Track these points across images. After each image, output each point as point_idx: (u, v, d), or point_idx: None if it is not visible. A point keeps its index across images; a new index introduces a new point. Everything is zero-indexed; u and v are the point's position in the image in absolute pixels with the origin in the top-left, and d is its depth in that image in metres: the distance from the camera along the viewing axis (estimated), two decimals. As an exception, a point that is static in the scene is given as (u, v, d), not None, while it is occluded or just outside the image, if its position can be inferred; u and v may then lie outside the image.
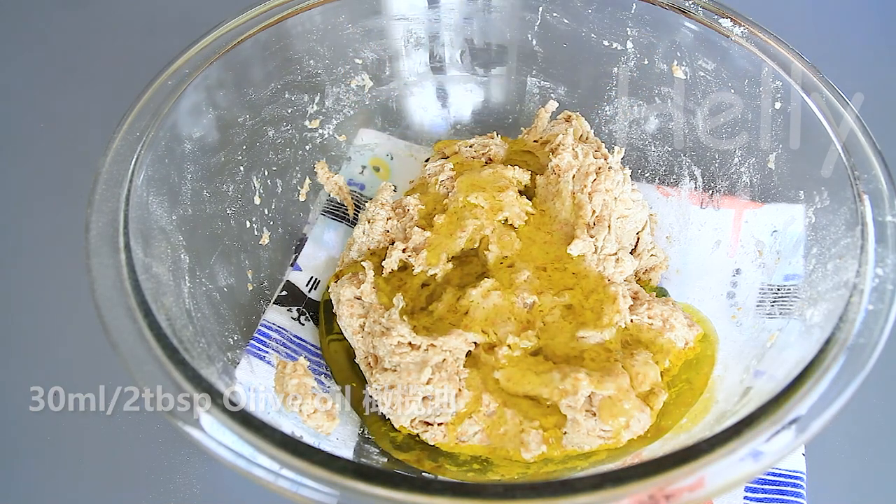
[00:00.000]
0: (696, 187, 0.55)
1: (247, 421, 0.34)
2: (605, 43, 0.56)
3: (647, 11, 0.54)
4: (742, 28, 0.50)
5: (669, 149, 0.56)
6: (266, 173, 0.55)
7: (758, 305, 0.48)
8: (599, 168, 0.53)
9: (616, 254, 0.52)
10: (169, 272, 0.43)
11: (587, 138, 0.56)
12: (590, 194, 0.52)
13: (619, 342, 0.48)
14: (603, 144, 0.55)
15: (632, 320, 0.49)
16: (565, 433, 0.45)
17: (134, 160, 0.43)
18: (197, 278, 0.46)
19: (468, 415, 0.46)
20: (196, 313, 0.44)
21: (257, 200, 0.54)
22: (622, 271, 0.51)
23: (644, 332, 0.49)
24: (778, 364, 0.40)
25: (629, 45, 0.55)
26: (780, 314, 0.45)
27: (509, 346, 0.47)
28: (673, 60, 0.54)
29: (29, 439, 0.50)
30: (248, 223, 0.53)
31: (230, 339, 0.47)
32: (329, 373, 0.50)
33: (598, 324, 0.47)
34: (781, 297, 0.46)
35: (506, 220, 0.53)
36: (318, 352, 0.51)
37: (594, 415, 0.44)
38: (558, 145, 0.55)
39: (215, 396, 0.35)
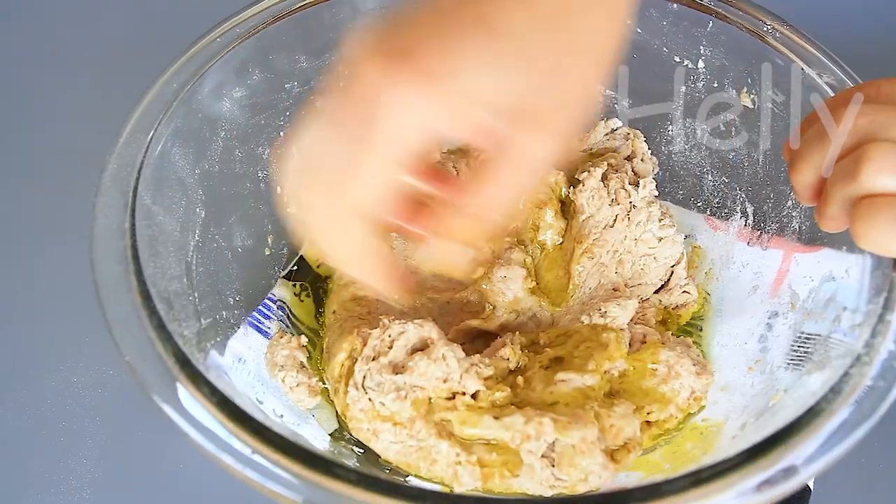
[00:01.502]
0: (745, 224, 0.53)
1: (199, 381, 0.36)
2: (677, 59, 0.54)
3: (722, 31, 0.52)
4: (825, 76, 0.48)
5: (726, 180, 0.55)
6: (307, 142, 0.56)
7: (783, 359, 0.46)
8: (616, 216, 0.52)
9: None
10: (177, 223, 0.46)
11: (643, 158, 0.55)
12: (594, 241, 0.52)
13: (602, 389, 0.46)
14: (650, 170, 0.54)
15: (633, 367, 0.47)
16: (517, 476, 0.43)
17: (165, 110, 0.46)
18: (210, 234, 0.49)
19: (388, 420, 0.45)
20: (198, 267, 0.46)
21: (293, 168, 0.56)
22: (614, 317, 0.49)
23: (646, 378, 0.47)
24: (764, 428, 0.39)
25: (701, 64, 0.54)
26: (790, 375, 0.43)
27: (474, 396, 0.44)
28: (743, 87, 0.52)
29: None
30: (279, 189, 0.55)
31: (230, 300, 0.49)
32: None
33: (581, 368, 0.46)
34: (799, 355, 0.44)
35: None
36: (309, 331, 0.53)
37: (552, 464, 0.42)
38: (584, 180, 0.53)
39: (178, 353, 0.37)
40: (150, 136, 0.45)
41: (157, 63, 0.48)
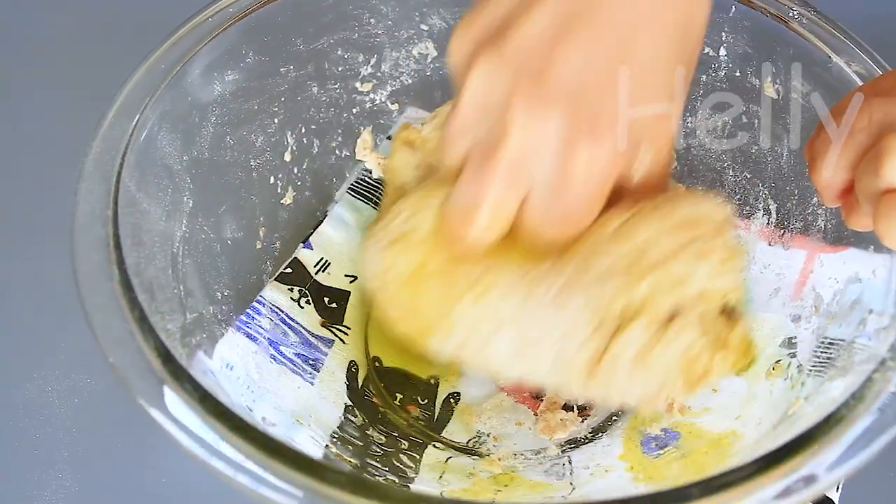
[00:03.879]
0: (768, 223, 0.54)
1: (183, 378, 0.37)
2: (697, 46, 0.55)
3: (746, 17, 0.52)
4: (854, 65, 0.48)
5: (748, 175, 0.55)
6: (303, 130, 0.57)
7: (804, 365, 0.46)
8: None
9: None
10: (163, 211, 0.46)
11: None
12: None
13: None
14: None
15: None
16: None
17: (153, 93, 0.46)
18: (198, 225, 0.49)
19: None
20: (184, 259, 0.47)
21: (288, 157, 0.56)
22: None
23: None
24: (782, 437, 0.39)
25: (722, 52, 0.54)
26: (812, 381, 0.43)
27: None
28: (767, 76, 0.52)
29: None
30: (272, 179, 0.56)
31: (218, 294, 0.49)
32: (317, 363, 0.52)
33: None
34: (822, 361, 0.44)
35: None
36: (312, 339, 0.53)
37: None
38: None
39: (159, 344, 0.37)
40: (135, 120, 0.45)
41: (145, 43, 0.48)
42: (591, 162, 0.36)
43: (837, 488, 0.47)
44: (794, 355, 0.47)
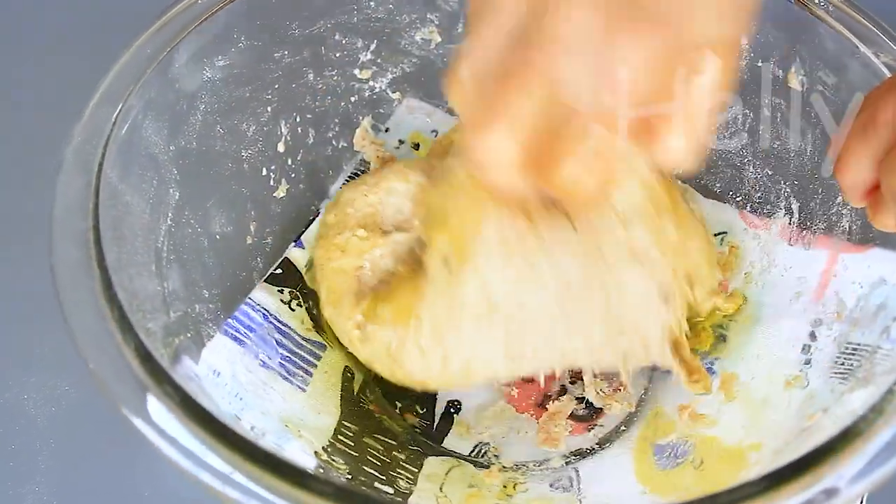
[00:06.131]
0: (790, 222, 0.54)
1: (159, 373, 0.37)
2: (715, 33, 0.54)
3: (768, 2, 0.52)
4: (882, 55, 0.48)
5: (769, 172, 0.55)
6: (298, 119, 0.57)
7: (824, 375, 0.46)
8: None
9: None
10: (147, 204, 0.46)
11: None
12: None
13: None
14: None
15: None
16: None
17: (138, 79, 0.47)
18: (184, 218, 0.49)
19: None
20: (169, 255, 0.47)
21: (281, 148, 0.57)
22: None
23: None
24: (798, 451, 0.39)
25: (742, 39, 0.54)
26: (831, 391, 0.43)
27: None
28: (790, 66, 0.52)
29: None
30: (264, 170, 0.56)
31: (204, 292, 0.50)
32: (309, 368, 0.52)
33: None
34: (843, 370, 0.44)
35: None
36: (304, 343, 0.53)
37: None
38: None
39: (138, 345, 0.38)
40: (119, 108, 0.45)
41: (131, 27, 0.48)
42: (637, 51, 0.30)
43: (861, 501, 0.47)
44: (812, 364, 0.48)
